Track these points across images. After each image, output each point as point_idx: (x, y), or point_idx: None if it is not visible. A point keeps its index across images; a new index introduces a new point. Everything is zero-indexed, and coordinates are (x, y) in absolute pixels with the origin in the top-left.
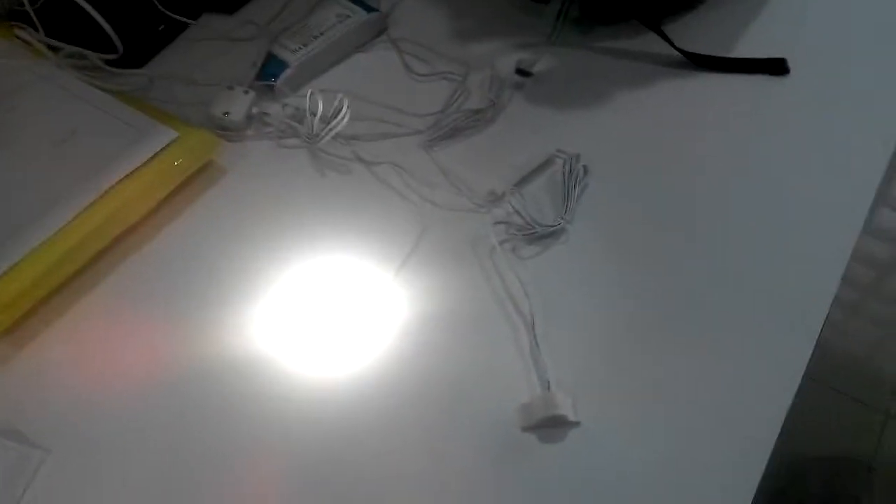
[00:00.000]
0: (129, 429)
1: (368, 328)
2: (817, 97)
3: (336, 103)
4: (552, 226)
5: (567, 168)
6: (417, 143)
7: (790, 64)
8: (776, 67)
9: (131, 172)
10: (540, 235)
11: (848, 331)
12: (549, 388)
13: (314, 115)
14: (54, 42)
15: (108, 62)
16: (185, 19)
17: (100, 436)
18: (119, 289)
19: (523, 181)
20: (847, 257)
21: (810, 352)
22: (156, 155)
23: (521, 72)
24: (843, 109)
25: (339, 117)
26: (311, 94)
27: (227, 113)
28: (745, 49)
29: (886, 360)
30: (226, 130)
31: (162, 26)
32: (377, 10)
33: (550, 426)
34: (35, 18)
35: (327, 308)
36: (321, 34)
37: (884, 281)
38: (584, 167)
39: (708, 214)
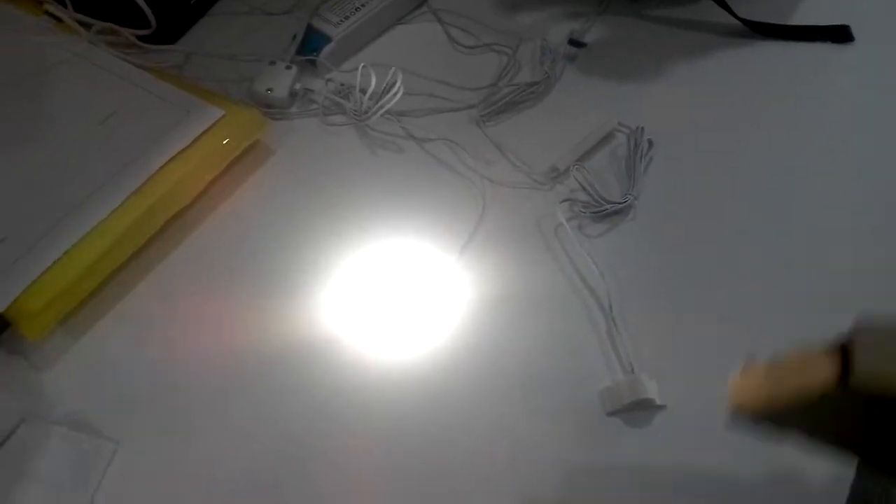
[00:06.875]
0: (195, 414)
1: (436, 312)
2: (883, 65)
3: (388, 78)
4: (621, 202)
5: (632, 142)
6: (469, 118)
7: (854, 31)
8: (840, 35)
9: (179, 153)
10: (608, 213)
11: None
12: (632, 371)
13: (364, 91)
14: (85, 18)
15: (140, 38)
16: None
17: (166, 424)
18: (174, 274)
19: (585, 156)
20: None
21: None
22: (203, 134)
23: (574, 42)
24: None
25: (392, 93)
26: (363, 67)
27: (270, 89)
28: (807, 16)
29: None
30: (269, 108)
31: (193, 0)
32: None
33: (635, 410)
34: None
35: (392, 291)
36: (362, 6)
37: None
38: (650, 141)
39: (776, 186)
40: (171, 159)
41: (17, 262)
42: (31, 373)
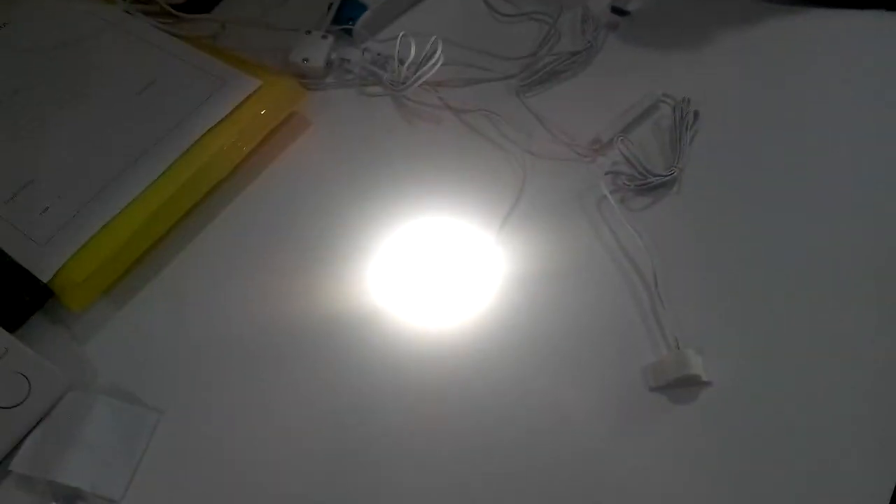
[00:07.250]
0: (236, 384)
1: (477, 286)
2: None
3: (428, 47)
4: (666, 175)
5: (678, 114)
6: (509, 88)
7: None
8: (894, 1)
9: (218, 123)
10: (652, 186)
11: None
12: (677, 346)
13: (402, 61)
14: None
15: (174, 7)
16: None
17: (209, 393)
18: (213, 245)
19: (628, 128)
20: None
21: None
22: (240, 105)
23: (617, 10)
24: None
25: (431, 63)
26: (403, 36)
27: (306, 59)
28: None
29: None
30: (305, 78)
31: None
32: None
33: (680, 386)
34: None
35: (432, 264)
36: None
37: None
38: (696, 112)
39: (826, 158)
40: (210, 130)
41: (59, 232)
42: (74, 343)
